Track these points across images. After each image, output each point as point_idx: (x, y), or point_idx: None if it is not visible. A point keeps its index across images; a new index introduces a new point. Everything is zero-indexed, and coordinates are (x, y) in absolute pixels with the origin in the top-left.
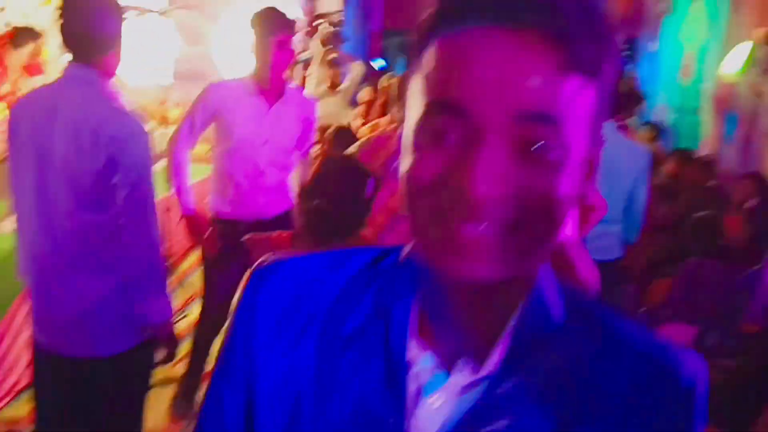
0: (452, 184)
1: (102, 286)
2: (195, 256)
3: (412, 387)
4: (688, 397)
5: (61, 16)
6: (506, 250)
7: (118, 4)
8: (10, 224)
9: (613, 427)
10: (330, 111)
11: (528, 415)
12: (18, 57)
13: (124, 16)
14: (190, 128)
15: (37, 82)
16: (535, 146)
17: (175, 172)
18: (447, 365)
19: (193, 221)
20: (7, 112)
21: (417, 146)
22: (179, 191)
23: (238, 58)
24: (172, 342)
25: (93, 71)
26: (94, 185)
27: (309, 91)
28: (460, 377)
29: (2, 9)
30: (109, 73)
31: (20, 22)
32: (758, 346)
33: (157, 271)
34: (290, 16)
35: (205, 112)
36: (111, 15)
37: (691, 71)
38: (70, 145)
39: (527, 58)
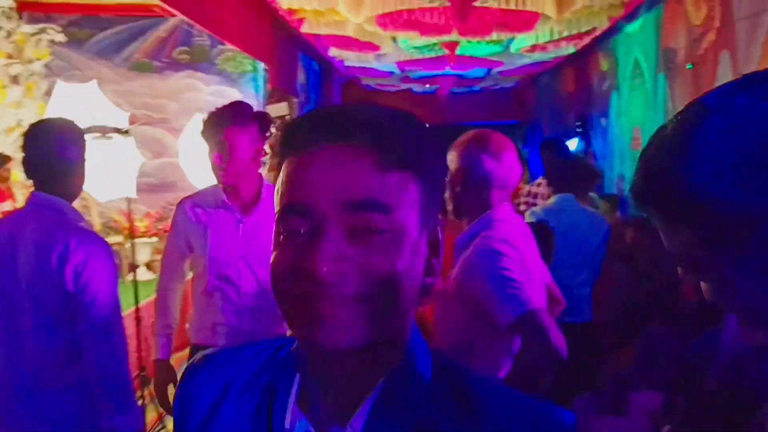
0: (302, 268)
1: (68, 404)
2: None
3: None
4: None
5: (23, 148)
6: (357, 320)
7: (79, 131)
8: None
9: None
10: None
11: None
12: None
13: (85, 140)
14: (170, 259)
15: (4, 207)
16: (367, 230)
17: (161, 311)
18: (320, 429)
19: (162, 368)
20: None
21: (276, 244)
22: (160, 333)
23: (203, 167)
24: None
25: (56, 198)
26: (59, 307)
27: None
28: None
29: None
30: (73, 197)
31: None
32: (720, 409)
33: (124, 387)
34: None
35: (178, 237)
36: (72, 143)
37: (640, 143)
38: (35, 269)
39: (350, 162)
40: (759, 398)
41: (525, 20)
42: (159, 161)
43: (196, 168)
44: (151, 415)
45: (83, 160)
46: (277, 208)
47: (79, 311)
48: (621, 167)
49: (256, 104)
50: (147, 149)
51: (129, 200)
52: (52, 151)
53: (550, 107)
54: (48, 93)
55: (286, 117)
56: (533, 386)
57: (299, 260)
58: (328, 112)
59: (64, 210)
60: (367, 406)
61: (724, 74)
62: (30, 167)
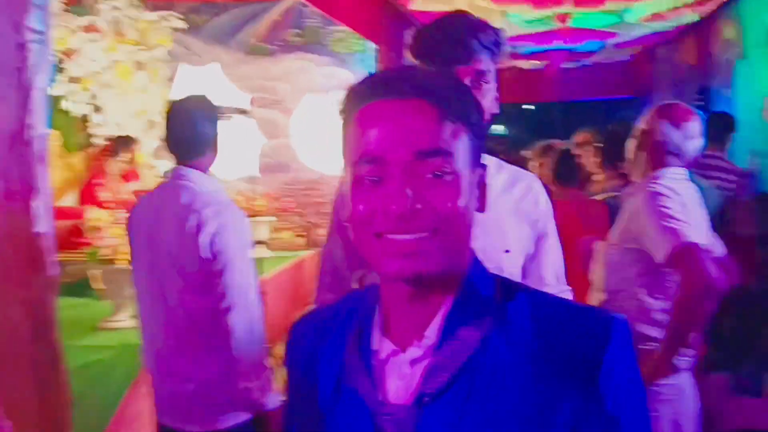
0: (388, 209)
1: (209, 365)
2: None
3: (380, 366)
4: (606, 343)
5: (166, 124)
6: (432, 250)
7: (215, 109)
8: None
9: (534, 368)
10: None
11: (468, 370)
12: (116, 165)
13: (218, 115)
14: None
15: (132, 186)
16: (433, 173)
17: None
18: (402, 347)
19: None
20: (110, 218)
21: (353, 191)
22: None
23: (314, 147)
24: (277, 418)
25: (194, 170)
26: (199, 272)
27: None
28: (410, 352)
29: (103, 123)
30: (206, 168)
31: (115, 133)
32: None
33: (256, 351)
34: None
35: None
36: (210, 120)
37: None
38: (178, 237)
39: (416, 115)
40: None
41: None
42: (274, 142)
43: (309, 149)
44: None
45: (218, 134)
46: (348, 159)
47: (214, 278)
48: (751, 141)
49: None
50: (262, 130)
51: (259, 179)
52: (192, 126)
53: (667, 80)
54: (170, 78)
55: None
56: (691, 321)
57: (384, 203)
58: (386, 73)
59: (202, 181)
60: (439, 319)
61: None
62: (172, 142)
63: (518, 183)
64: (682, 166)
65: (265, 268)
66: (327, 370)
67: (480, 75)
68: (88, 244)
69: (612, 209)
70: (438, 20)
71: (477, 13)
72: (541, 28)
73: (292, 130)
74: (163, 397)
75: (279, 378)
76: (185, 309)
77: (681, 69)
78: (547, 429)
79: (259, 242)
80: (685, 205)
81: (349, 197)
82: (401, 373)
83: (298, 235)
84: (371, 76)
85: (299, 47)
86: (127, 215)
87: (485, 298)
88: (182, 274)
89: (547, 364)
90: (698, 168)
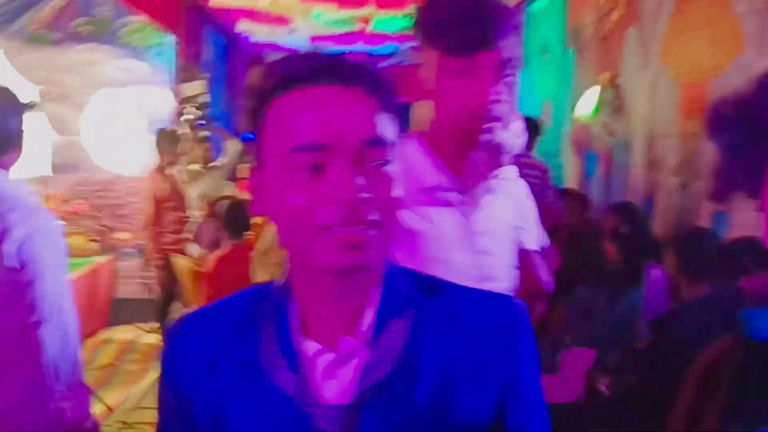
0: (334, 199)
1: (15, 386)
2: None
3: (306, 365)
4: (517, 324)
5: None
6: (374, 242)
7: (18, 100)
8: None
9: (462, 355)
10: (210, 186)
11: (403, 361)
12: None
13: (24, 108)
14: None
15: None
16: (376, 162)
17: None
18: (329, 345)
19: None
20: None
21: (286, 179)
22: None
23: (108, 146)
24: None
25: None
26: (4, 283)
27: (182, 170)
28: (344, 348)
29: None
30: (9, 169)
31: None
32: (650, 360)
33: (72, 369)
34: (161, 98)
35: None
36: (14, 113)
37: (550, 119)
38: None
39: (359, 103)
40: (689, 350)
41: None
42: (63, 139)
43: (102, 147)
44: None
45: (21, 132)
46: (272, 147)
47: (22, 290)
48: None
49: (167, 79)
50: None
51: (46, 180)
52: None
53: None
54: None
55: (200, 96)
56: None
57: (333, 192)
58: (315, 56)
59: (5, 181)
60: (371, 313)
61: (631, 50)
62: None
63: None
64: (513, 164)
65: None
66: (237, 377)
67: (504, 64)
68: None
69: None
70: None
71: (281, 11)
72: (343, 29)
73: (83, 126)
74: None
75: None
76: None
77: None
78: (479, 414)
79: None
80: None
81: (270, 189)
82: (331, 371)
83: (92, 240)
84: (294, 57)
85: (88, 38)
86: None
87: (409, 291)
88: None
89: (469, 352)
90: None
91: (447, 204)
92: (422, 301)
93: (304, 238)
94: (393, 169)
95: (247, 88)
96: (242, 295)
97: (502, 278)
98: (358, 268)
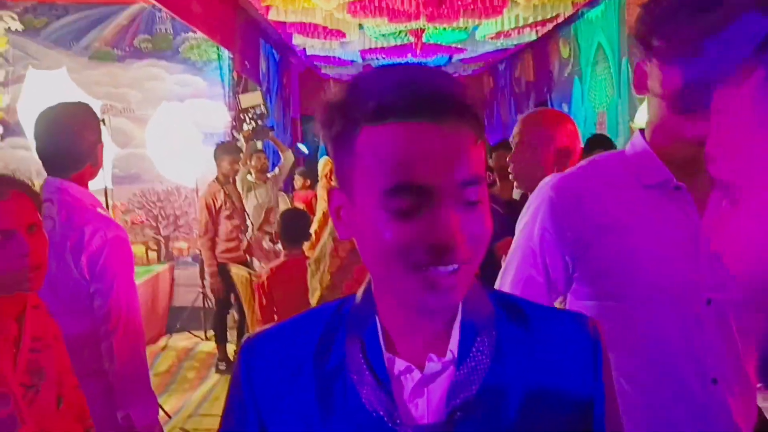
0: (429, 241)
1: (90, 392)
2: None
3: (394, 383)
4: (595, 342)
5: (35, 135)
6: (464, 281)
7: (95, 117)
8: None
9: (545, 374)
10: (265, 196)
11: (490, 379)
12: None
13: (98, 121)
14: None
15: None
16: (473, 202)
17: None
18: (416, 363)
19: None
20: None
21: (387, 219)
22: None
23: (169, 157)
24: None
25: (70, 183)
26: (75, 294)
27: (239, 180)
28: (429, 368)
29: None
30: (85, 182)
31: None
32: None
33: (141, 375)
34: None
35: None
36: (90, 129)
37: (605, 128)
38: (55, 257)
39: (457, 141)
40: None
41: (493, 6)
42: (124, 152)
43: (164, 159)
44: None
45: (97, 142)
46: (377, 183)
47: (94, 299)
48: (587, 151)
49: (222, 92)
50: (111, 140)
51: (106, 191)
52: (69, 137)
53: (509, 94)
54: (4, 84)
55: (257, 107)
56: None
57: (432, 234)
58: (416, 86)
59: (79, 196)
60: (456, 333)
61: None
62: (45, 155)
63: None
64: None
65: None
66: (321, 392)
67: None
68: None
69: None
70: None
71: (333, 25)
72: (396, 42)
73: (147, 139)
74: None
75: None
76: (63, 333)
77: (520, 84)
78: (565, 428)
79: None
80: None
81: (361, 216)
82: (419, 389)
83: (151, 249)
84: (393, 84)
85: (150, 53)
86: None
87: (491, 310)
88: (58, 295)
89: (551, 371)
90: None
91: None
92: (504, 319)
93: (395, 274)
94: (486, 203)
95: (330, 105)
96: (322, 310)
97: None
98: (444, 309)
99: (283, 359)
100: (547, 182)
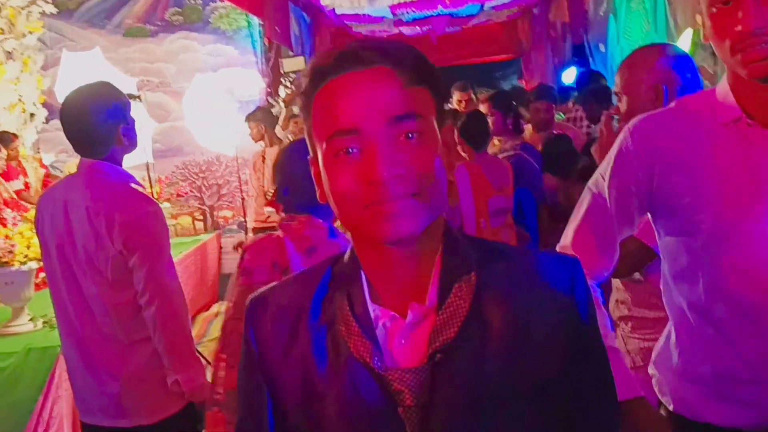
0: (370, 178)
1: (135, 360)
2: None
3: (382, 333)
4: (574, 280)
5: (64, 120)
6: (416, 211)
7: (119, 96)
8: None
9: (526, 312)
10: None
11: (469, 324)
12: None
13: (122, 101)
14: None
15: (16, 184)
16: (408, 136)
17: None
18: (399, 311)
19: None
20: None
21: (330, 165)
22: None
23: (207, 128)
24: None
25: (102, 162)
26: (115, 266)
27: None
28: (414, 315)
29: None
30: (118, 161)
31: None
32: None
33: (183, 341)
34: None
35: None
36: (113, 109)
37: None
38: (91, 232)
39: (383, 83)
40: None
41: None
42: (164, 125)
43: (203, 130)
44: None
45: (122, 122)
46: (318, 136)
47: (131, 272)
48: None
49: (254, 60)
50: (150, 114)
51: (148, 166)
52: (87, 117)
53: (545, 38)
54: (44, 67)
55: (300, 73)
56: None
57: (365, 172)
58: (348, 46)
59: (111, 172)
60: (435, 280)
61: None
62: (70, 136)
63: None
64: None
65: None
66: (318, 344)
67: None
68: None
69: (514, 168)
70: None
71: None
72: None
73: (185, 111)
74: (88, 396)
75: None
76: (105, 304)
77: (556, 27)
78: (546, 368)
79: None
80: None
81: (326, 178)
82: (403, 336)
83: (197, 219)
84: (329, 52)
85: (180, 26)
86: (35, 212)
87: (469, 256)
88: (100, 269)
89: (532, 309)
90: None
91: None
92: (483, 264)
93: (353, 215)
94: (428, 138)
95: (296, 89)
96: (319, 267)
97: None
98: (406, 236)
99: (283, 315)
100: (628, 125)
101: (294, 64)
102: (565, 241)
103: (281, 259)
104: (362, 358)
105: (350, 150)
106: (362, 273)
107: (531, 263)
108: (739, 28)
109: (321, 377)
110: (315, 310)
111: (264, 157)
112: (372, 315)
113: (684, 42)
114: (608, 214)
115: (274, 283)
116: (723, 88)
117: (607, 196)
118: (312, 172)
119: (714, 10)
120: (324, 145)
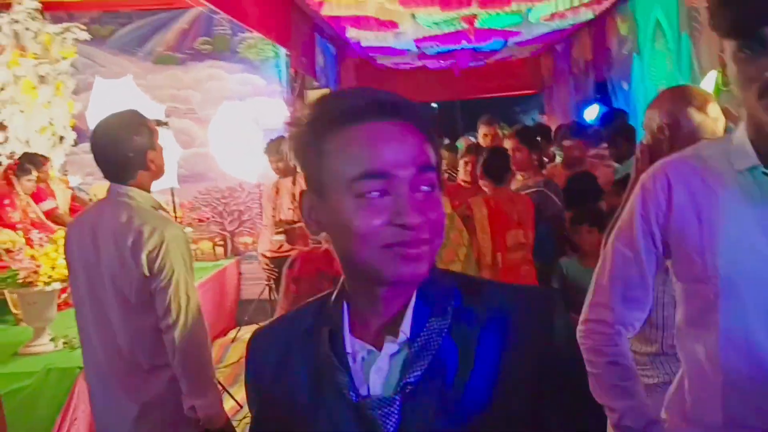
0: (398, 222)
1: (156, 383)
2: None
3: (358, 365)
4: (548, 315)
5: (94, 145)
6: (428, 256)
7: (145, 123)
8: (44, 345)
9: (500, 345)
10: None
11: (441, 356)
12: (25, 184)
13: (149, 127)
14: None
15: (46, 205)
16: (427, 189)
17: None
18: (377, 345)
19: None
20: (22, 240)
21: (357, 205)
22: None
23: (232, 155)
24: None
25: (129, 187)
26: (140, 290)
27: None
28: (387, 348)
29: (4, 140)
30: (146, 186)
31: (22, 150)
32: None
33: (202, 370)
34: (275, 108)
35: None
36: (141, 136)
37: None
38: (117, 256)
39: (410, 135)
40: None
41: None
42: (188, 152)
43: (227, 157)
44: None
45: (149, 148)
46: (345, 174)
47: (155, 296)
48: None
49: (280, 90)
50: (176, 140)
51: (172, 191)
52: (116, 143)
53: (566, 75)
54: (75, 91)
55: None
56: None
57: (395, 216)
58: (366, 92)
59: (137, 198)
60: (410, 314)
61: None
62: (99, 161)
63: None
64: None
65: None
66: (302, 376)
67: None
68: (2, 268)
69: (536, 204)
70: None
71: (386, 17)
72: (449, 29)
73: (210, 138)
74: (106, 418)
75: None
76: (128, 328)
77: (578, 64)
78: (519, 401)
79: None
80: None
81: (332, 211)
82: (379, 368)
83: (217, 245)
84: (346, 96)
85: (209, 55)
86: (65, 235)
87: (444, 289)
88: (124, 292)
89: (506, 342)
90: None
91: None
92: (461, 298)
93: (371, 255)
94: (439, 189)
95: (297, 122)
96: (310, 304)
97: None
98: (419, 279)
99: (277, 349)
100: (648, 171)
101: (319, 95)
102: (599, 298)
103: (328, 268)
104: (339, 390)
105: (375, 193)
106: (345, 308)
107: (508, 297)
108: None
109: (305, 409)
110: (302, 344)
111: (278, 188)
112: (350, 348)
113: (708, 83)
114: (638, 263)
115: (275, 318)
116: (740, 134)
117: (635, 244)
118: (301, 203)
119: (741, 55)
120: (344, 185)
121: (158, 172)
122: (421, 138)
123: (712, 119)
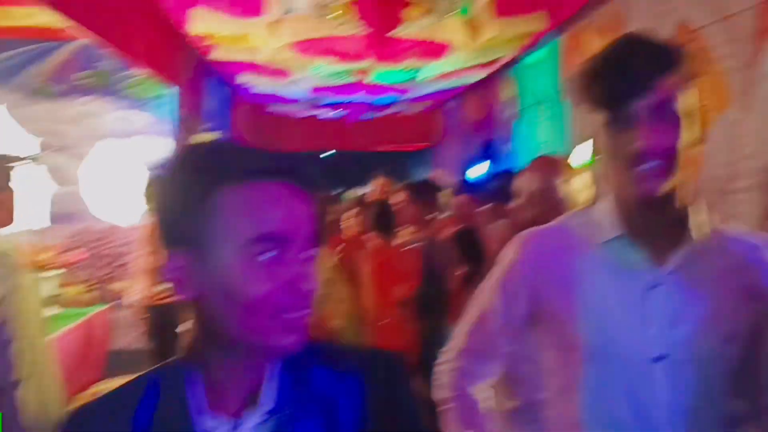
0: (290, 287)
1: None
2: None
3: None
4: (395, 374)
5: None
6: (307, 326)
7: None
8: None
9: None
10: None
11: (307, 425)
12: None
13: (8, 169)
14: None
15: None
16: (314, 253)
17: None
18: (235, 416)
19: None
20: None
21: (247, 266)
22: None
23: (106, 196)
24: None
25: None
26: None
27: None
28: (249, 419)
29: None
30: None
31: None
32: None
33: (55, 428)
34: (163, 148)
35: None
36: None
37: None
38: None
39: (305, 201)
40: None
41: (436, 49)
42: (63, 189)
43: (100, 198)
44: None
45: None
46: (240, 234)
47: (2, 350)
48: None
49: (166, 129)
50: (50, 177)
51: (42, 231)
52: None
53: (455, 133)
54: None
55: None
56: None
57: (293, 281)
58: (265, 151)
59: None
60: (273, 382)
61: None
62: None
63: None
64: None
65: (51, 327)
66: None
67: (667, 101)
68: None
69: (424, 258)
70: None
71: (281, 65)
72: (343, 81)
73: (82, 177)
74: None
75: None
76: None
77: (467, 123)
78: None
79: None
80: None
81: (214, 272)
82: None
83: (90, 290)
84: (245, 152)
85: (90, 90)
86: None
87: (306, 357)
88: None
89: (364, 406)
90: None
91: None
92: (320, 365)
93: (255, 322)
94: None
95: (183, 174)
96: (141, 377)
97: None
98: (296, 349)
99: (105, 426)
100: (517, 238)
101: (206, 139)
102: (455, 344)
103: None
104: None
105: (270, 255)
106: (195, 381)
107: (360, 362)
108: (637, 146)
109: None
110: (139, 422)
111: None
112: (207, 423)
113: (586, 150)
114: (498, 322)
115: (94, 398)
116: (606, 205)
117: (495, 305)
118: (169, 266)
119: (610, 127)
120: (237, 245)
121: (7, 218)
122: (312, 203)
123: (577, 191)
